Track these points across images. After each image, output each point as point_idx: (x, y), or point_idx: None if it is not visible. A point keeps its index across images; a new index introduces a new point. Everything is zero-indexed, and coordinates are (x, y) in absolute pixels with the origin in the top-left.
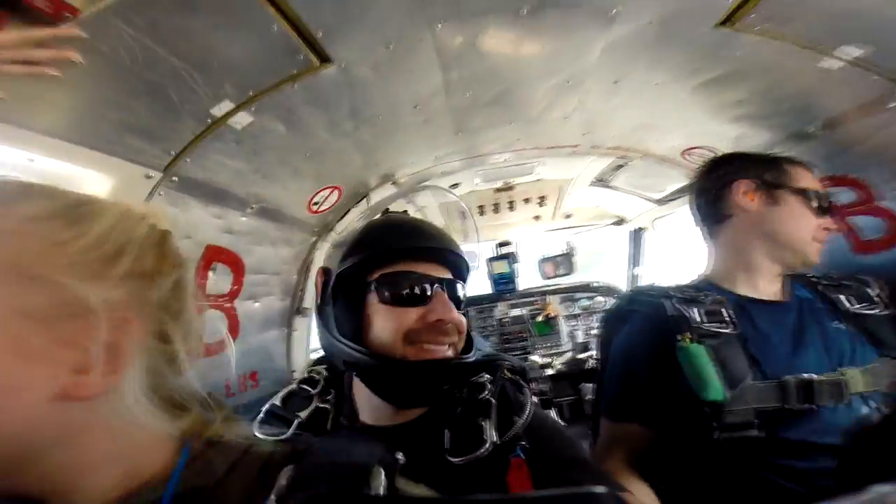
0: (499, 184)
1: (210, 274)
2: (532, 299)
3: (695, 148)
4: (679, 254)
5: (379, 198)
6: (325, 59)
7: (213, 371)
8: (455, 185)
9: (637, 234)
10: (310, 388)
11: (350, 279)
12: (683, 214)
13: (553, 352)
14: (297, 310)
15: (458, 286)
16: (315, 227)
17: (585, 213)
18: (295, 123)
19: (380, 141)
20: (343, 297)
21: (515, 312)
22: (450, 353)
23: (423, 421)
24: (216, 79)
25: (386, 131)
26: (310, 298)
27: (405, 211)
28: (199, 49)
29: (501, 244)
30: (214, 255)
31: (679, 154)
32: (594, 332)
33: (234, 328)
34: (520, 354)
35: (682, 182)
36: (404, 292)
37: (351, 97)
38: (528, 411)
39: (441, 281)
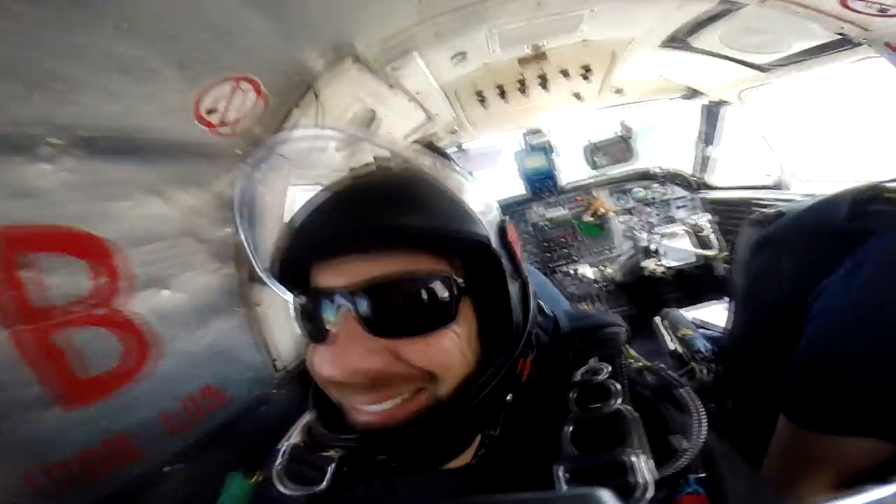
0: (525, 50)
1: (24, 275)
2: (574, 194)
3: None
4: (777, 134)
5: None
6: None
7: (122, 414)
8: (461, 56)
9: (712, 109)
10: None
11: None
12: (795, 83)
13: (605, 257)
14: (251, 276)
15: (423, 284)
16: (239, 147)
17: (642, 86)
18: None
19: None
20: None
21: (555, 213)
22: (401, 412)
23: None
24: None
25: None
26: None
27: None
28: None
29: (530, 133)
30: (16, 245)
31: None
32: (658, 228)
33: (141, 341)
34: (564, 265)
35: (824, 38)
36: (300, 324)
37: None
38: (698, 425)
39: (351, 296)
